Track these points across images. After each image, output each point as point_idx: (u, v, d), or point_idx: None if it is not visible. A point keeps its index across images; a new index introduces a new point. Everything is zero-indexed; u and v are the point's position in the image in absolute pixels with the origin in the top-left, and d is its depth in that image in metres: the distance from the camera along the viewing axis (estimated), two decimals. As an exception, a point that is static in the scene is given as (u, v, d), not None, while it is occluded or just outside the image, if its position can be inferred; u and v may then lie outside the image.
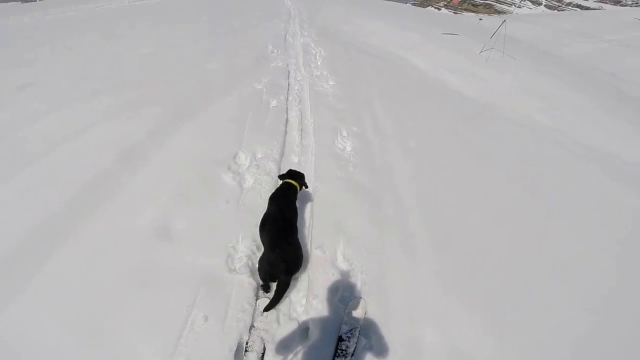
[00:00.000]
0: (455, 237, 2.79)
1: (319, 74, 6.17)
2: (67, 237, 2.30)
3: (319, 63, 6.81)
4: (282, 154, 3.67)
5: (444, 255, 2.57)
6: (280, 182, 2.69)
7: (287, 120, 4.48)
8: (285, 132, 4.20)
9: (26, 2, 20.20)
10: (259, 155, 3.53)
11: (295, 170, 2.76)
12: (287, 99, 5.02)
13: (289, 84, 5.47)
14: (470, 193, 3.42)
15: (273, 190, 2.61)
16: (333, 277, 2.27)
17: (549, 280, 2.50)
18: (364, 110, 5.10)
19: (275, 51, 7.10)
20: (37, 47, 6.51)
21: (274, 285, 2.10)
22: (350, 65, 6.98)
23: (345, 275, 2.30)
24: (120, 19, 9.80)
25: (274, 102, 4.81)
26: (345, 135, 4.33)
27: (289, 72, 5.94)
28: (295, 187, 2.57)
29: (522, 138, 5.59)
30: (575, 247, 2.88)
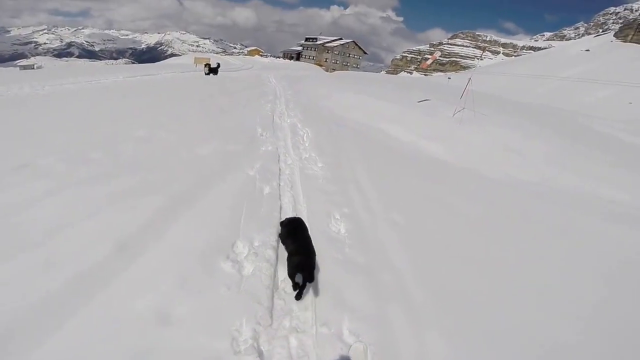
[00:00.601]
0: (455, 298, 3.02)
1: (307, 156, 6.54)
2: (62, 322, 2.24)
3: (306, 145, 7.25)
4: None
5: (446, 315, 2.79)
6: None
7: (280, 207, 4.60)
8: (280, 219, 4.31)
9: (24, 69, 21.18)
10: (257, 244, 3.55)
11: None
12: (280, 184, 5.22)
13: (280, 169, 5.74)
14: (463, 256, 3.74)
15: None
16: (342, 351, 2.36)
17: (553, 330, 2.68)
18: (352, 189, 5.32)
19: (264, 134, 7.56)
20: (35, 123, 6.50)
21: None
22: (336, 144, 7.44)
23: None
24: (115, 95, 10.07)
25: (267, 189, 4.98)
26: (338, 217, 4.45)
27: (279, 156, 6.27)
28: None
29: (502, 195, 5.96)
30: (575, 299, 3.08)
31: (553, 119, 13.91)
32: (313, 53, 71.99)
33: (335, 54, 69.53)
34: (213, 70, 19.45)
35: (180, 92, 11.78)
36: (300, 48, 76.58)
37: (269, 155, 6.21)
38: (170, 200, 4.19)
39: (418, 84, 21.11)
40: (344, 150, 7.17)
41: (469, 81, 10.67)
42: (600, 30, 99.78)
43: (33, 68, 22.46)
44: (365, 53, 75.01)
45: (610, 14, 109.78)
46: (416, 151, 8.00)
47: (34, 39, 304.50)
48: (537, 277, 3.53)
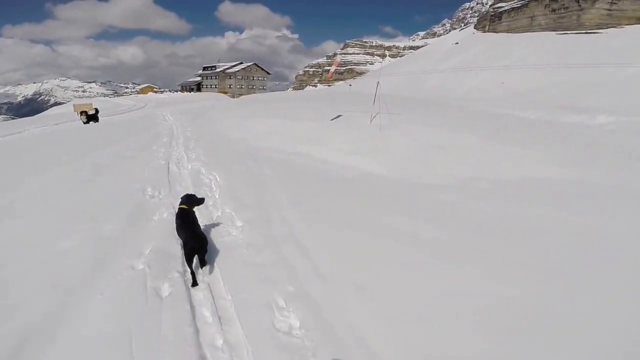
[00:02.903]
0: None
1: (219, 214, 4.93)
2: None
3: (216, 196, 5.62)
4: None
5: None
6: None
7: (193, 315, 3.00)
8: (197, 333, 2.77)
9: None
10: None
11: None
12: (185, 274, 3.54)
13: (182, 249, 4.02)
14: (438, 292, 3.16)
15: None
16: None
17: None
18: (289, 250, 3.96)
19: (156, 194, 5.68)
20: None
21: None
22: (255, 187, 5.98)
23: None
24: None
25: (166, 288, 3.30)
26: (283, 304, 3.09)
27: (179, 228, 4.52)
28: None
29: (457, 202, 5.28)
30: None
31: (454, 109, 14.80)
32: (215, 81, 69.08)
33: (239, 78, 67.84)
34: (92, 118, 16.44)
35: (44, 154, 8.84)
36: (199, 78, 72.78)
37: (165, 228, 4.43)
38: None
39: (324, 96, 20.99)
40: (268, 192, 5.76)
41: (377, 85, 10.33)
42: (462, 25, 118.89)
43: None
44: (268, 73, 75.02)
45: (467, 9, 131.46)
46: (347, 170, 7.04)
47: None
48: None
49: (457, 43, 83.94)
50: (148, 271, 3.53)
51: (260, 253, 3.92)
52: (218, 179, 6.37)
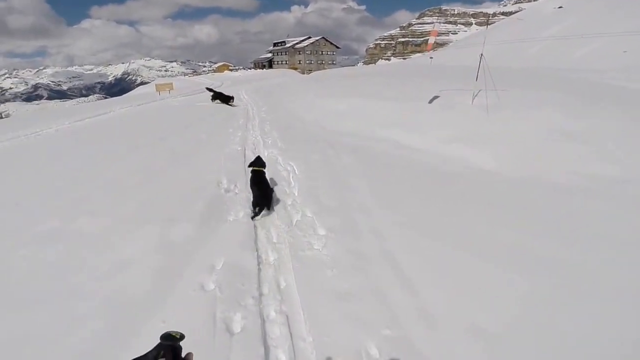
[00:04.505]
0: None
1: (299, 217, 4.19)
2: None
3: (295, 193, 4.90)
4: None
5: None
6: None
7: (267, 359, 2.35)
8: None
9: None
10: None
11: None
12: (260, 306, 2.88)
13: (258, 264, 3.38)
14: None
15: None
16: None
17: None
18: (383, 272, 3.14)
19: (232, 187, 5.19)
20: None
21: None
22: (337, 183, 5.12)
23: None
24: (42, 156, 7.50)
25: (238, 320, 2.69)
26: (377, 354, 2.35)
27: (255, 234, 3.90)
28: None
29: (592, 216, 3.84)
30: None
31: (576, 84, 11.71)
32: (285, 57, 69.50)
33: (308, 54, 67.11)
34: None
35: (124, 137, 8.98)
36: (270, 55, 73.99)
37: (239, 236, 3.85)
38: None
39: (402, 71, 18.83)
40: (351, 190, 4.87)
41: (481, 57, 8.38)
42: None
43: (1, 117, 19.92)
44: (337, 47, 72.72)
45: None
46: (448, 163, 5.76)
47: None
48: None
49: (560, 7, 69.82)
50: (219, 295, 2.95)
51: (348, 277, 3.11)
52: (296, 171, 5.66)
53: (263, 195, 4.31)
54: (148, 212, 4.37)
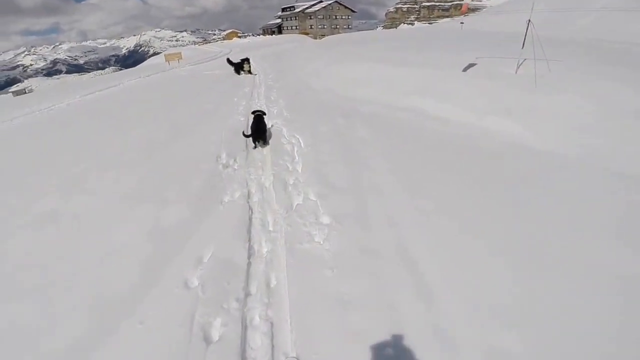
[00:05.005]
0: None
1: (301, 201, 3.57)
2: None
3: (299, 170, 4.26)
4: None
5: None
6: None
7: None
8: None
9: (18, 95, 19.13)
10: None
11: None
12: (244, 309, 2.37)
13: (249, 258, 2.83)
14: None
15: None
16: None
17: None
18: (396, 276, 2.55)
19: (231, 162, 4.62)
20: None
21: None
22: (349, 159, 4.44)
23: None
24: (50, 130, 7.66)
25: (217, 327, 2.27)
26: None
27: (250, 220, 3.33)
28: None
29: None
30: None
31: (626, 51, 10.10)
32: (295, 22, 66.06)
33: (320, 18, 63.39)
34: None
35: (130, 109, 8.65)
36: (279, 20, 70.48)
37: (232, 221, 3.31)
38: None
39: (428, 36, 17.09)
40: (366, 167, 4.18)
41: (528, 24, 7.05)
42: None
43: (25, 92, 20.20)
44: (353, 11, 68.30)
45: None
46: (486, 138, 4.89)
47: (19, 62, 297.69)
48: None
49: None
50: (200, 295, 2.46)
51: (350, 279, 2.55)
52: (302, 144, 4.99)
53: (259, 130, 4.97)
54: (144, 191, 4.06)
